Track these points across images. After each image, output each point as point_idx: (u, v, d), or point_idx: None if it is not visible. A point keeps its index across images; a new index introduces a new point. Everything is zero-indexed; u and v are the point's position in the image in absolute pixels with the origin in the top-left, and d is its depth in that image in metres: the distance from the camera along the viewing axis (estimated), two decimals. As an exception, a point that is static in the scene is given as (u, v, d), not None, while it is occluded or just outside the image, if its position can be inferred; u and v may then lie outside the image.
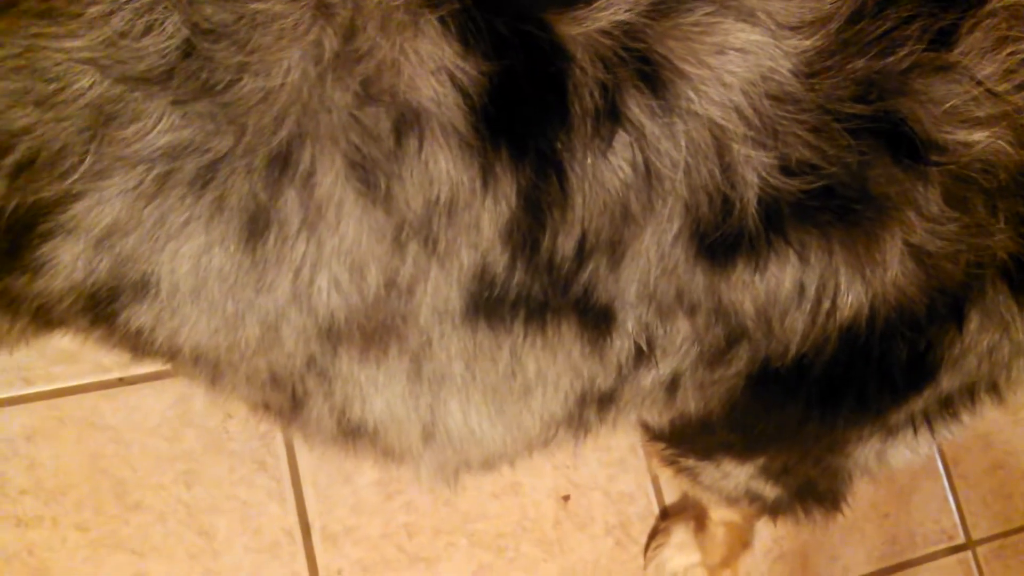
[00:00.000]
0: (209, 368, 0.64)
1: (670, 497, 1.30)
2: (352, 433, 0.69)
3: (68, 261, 0.56)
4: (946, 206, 0.58)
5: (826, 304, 0.61)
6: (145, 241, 0.54)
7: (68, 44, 0.50)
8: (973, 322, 0.64)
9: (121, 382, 1.12)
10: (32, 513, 1.08)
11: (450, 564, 1.19)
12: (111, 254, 0.55)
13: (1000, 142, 0.56)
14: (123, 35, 0.49)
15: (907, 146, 0.57)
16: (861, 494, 1.28)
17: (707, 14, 0.54)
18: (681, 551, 1.24)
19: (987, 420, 1.45)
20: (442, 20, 0.51)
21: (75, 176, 0.52)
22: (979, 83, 0.56)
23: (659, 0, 0.53)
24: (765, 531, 1.30)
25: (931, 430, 0.73)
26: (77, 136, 0.51)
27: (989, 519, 1.44)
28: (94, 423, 1.11)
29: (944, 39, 0.57)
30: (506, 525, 1.23)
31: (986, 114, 0.56)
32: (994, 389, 0.71)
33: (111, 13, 0.49)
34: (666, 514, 1.29)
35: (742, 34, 0.54)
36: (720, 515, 1.19)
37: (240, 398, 0.70)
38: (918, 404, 0.70)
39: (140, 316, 0.59)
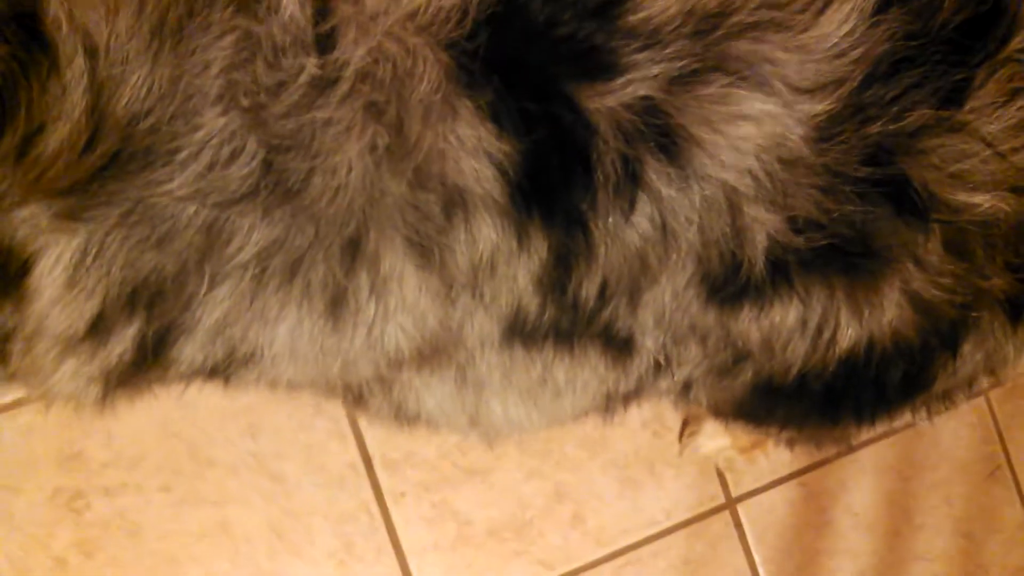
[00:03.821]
0: (293, 387, 0.72)
1: (700, 387, 1.38)
2: (408, 421, 0.77)
3: (189, 353, 0.63)
4: (946, 254, 0.62)
5: (826, 335, 0.66)
6: (250, 327, 0.61)
7: (168, 187, 0.54)
8: (967, 346, 0.68)
9: (176, 352, 1.19)
10: (117, 482, 1.17)
11: (503, 473, 1.30)
12: (224, 339, 0.62)
13: (1001, 204, 0.59)
14: (211, 167, 0.54)
15: (910, 205, 0.60)
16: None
17: (723, 85, 0.56)
18: (712, 438, 1.33)
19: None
20: (477, 104, 0.55)
21: (198, 297, 0.58)
22: (988, 144, 0.59)
23: (678, 75, 0.56)
24: (790, 408, 1.39)
25: (929, 414, 0.79)
26: (191, 261, 0.57)
27: None
28: (158, 392, 1.19)
29: (955, 96, 0.58)
30: (550, 431, 1.32)
31: (991, 177, 0.59)
32: (992, 374, 0.76)
33: (199, 151, 0.53)
34: (697, 404, 1.37)
35: (756, 104, 0.57)
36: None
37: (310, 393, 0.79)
38: (914, 403, 0.76)
39: (247, 375, 0.67)
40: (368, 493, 1.25)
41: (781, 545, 1.40)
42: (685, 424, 1.36)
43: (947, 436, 1.47)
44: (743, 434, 1.25)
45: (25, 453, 1.15)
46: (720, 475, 1.38)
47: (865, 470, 1.44)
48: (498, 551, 1.29)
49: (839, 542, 1.42)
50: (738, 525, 1.38)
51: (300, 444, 1.23)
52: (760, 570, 1.38)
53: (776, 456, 1.38)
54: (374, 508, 1.25)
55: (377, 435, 1.25)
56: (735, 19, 0.55)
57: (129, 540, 1.17)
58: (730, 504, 1.38)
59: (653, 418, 1.35)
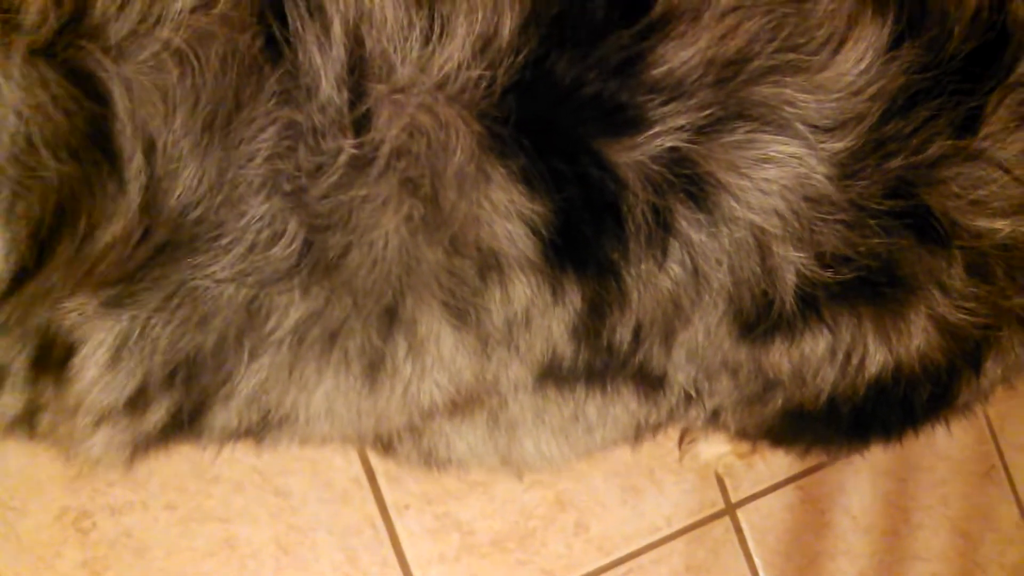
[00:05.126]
0: (324, 442, 0.73)
1: (698, 394, 1.39)
2: (439, 466, 0.78)
3: (223, 419, 0.63)
4: (969, 278, 0.63)
5: (855, 362, 0.67)
6: (286, 394, 0.62)
7: (211, 270, 0.54)
8: (989, 362, 0.70)
9: (180, 371, 1.19)
10: (123, 501, 1.18)
11: (505, 486, 1.30)
12: (259, 405, 0.63)
13: (1022, 228, 0.61)
14: (252, 249, 0.54)
15: (933, 234, 0.61)
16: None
17: (748, 131, 0.58)
18: (712, 444, 1.34)
19: None
20: (509, 169, 0.56)
21: (237, 371, 0.58)
22: (1005, 170, 0.60)
23: (703, 124, 0.57)
24: (788, 413, 1.41)
25: (947, 424, 0.81)
26: (231, 337, 0.57)
27: None
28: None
29: (969, 124, 0.60)
30: (551, 442, 1.33)
31: (1009, 203, 0.60)
32: (1007, 383, 0.78)
33: (242, 236, 0.54)
34: (696, 410, 1.38)
35: (780, 147, 0.58)
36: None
37: (339, 445, 0.80)
38: (938, 418, 0.78)
39: (282, 436, 0.68)
40: (372, 507, 1.26)
41: (781, 548, 1.41)
42: (684, 431, 1.37)
43: (942, 437, 1.48)
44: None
45: (31, 474, 1.15)
46: (720, 481, 1.39)
47: (862, 472, 1.45)
48: (502, 561, 1.30)
49: (838, 544, 1.44)
50: (738, 530, 1.39)
51: (304, 460, 1.24)
52: (761, 574, 1.39)
53: (774, 461, 1.39)
54: (378, 521, 1.26)
55: (380, 449, 1.26)
56: (754, 64, 0.56)
57: (136, 558, 1.18)
58: (730, 509, 1.39)
59: (653, 426, 1.37)
